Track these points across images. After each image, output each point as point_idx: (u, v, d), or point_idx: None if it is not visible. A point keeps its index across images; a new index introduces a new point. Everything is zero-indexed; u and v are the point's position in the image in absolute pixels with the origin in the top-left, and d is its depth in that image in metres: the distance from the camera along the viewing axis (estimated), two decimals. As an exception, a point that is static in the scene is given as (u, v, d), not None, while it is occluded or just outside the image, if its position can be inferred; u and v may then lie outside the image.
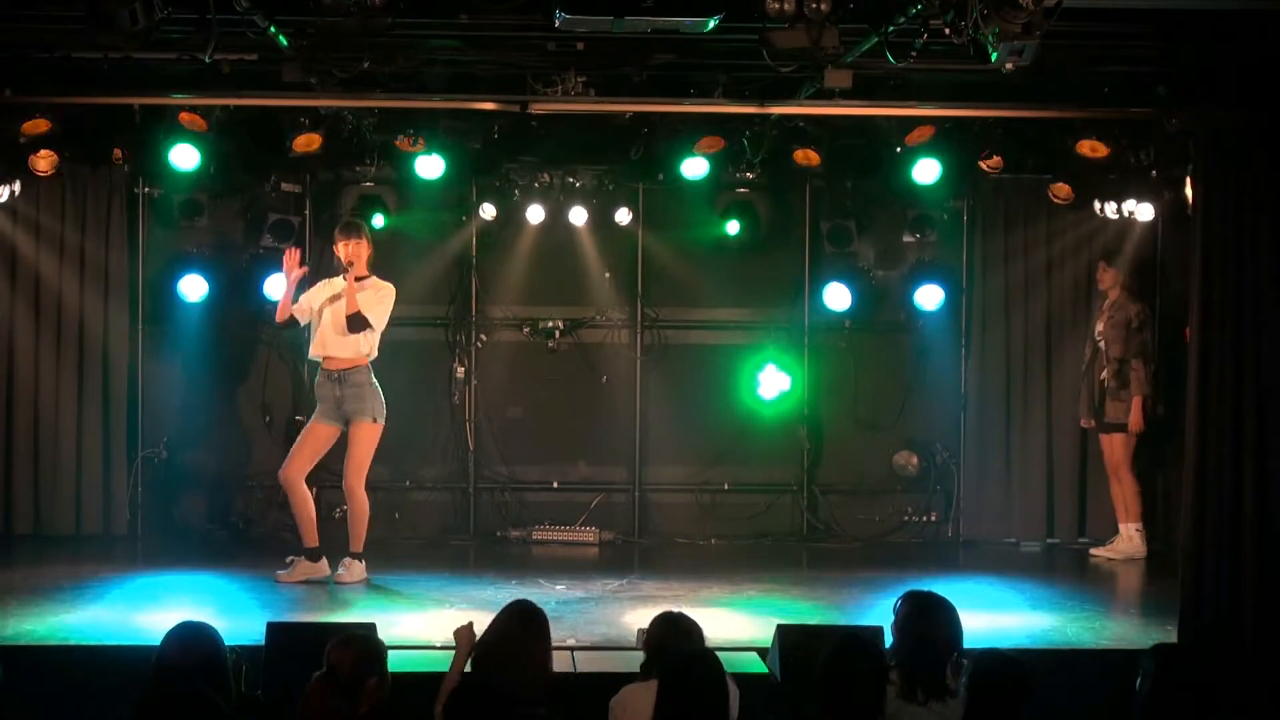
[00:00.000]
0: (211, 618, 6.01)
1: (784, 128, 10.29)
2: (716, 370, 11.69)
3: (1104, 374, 10.90)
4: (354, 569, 9.61)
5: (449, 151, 10.59)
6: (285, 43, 7.44)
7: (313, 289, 9.78)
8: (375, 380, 9.58)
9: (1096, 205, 11.18)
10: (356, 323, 9.49)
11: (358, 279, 9.54)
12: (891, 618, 6.08)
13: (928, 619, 5.91)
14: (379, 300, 9.58)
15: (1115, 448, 10.90)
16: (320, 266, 11.50)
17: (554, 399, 11.78)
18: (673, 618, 6.10)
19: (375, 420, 9.56)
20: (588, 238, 11.57)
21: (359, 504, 9.63)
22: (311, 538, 9.63)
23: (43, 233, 11.11)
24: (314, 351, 9.66)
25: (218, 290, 11.25)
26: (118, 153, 10.45)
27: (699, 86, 8.91)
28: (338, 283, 9.67)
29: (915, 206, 11.40)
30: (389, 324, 9.77)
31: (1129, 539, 10.84)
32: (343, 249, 9.59)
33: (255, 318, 11.36)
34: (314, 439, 9.64)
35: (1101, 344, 10.94)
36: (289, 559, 9.66)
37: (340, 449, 9.72)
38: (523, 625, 6.01)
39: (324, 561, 9.63)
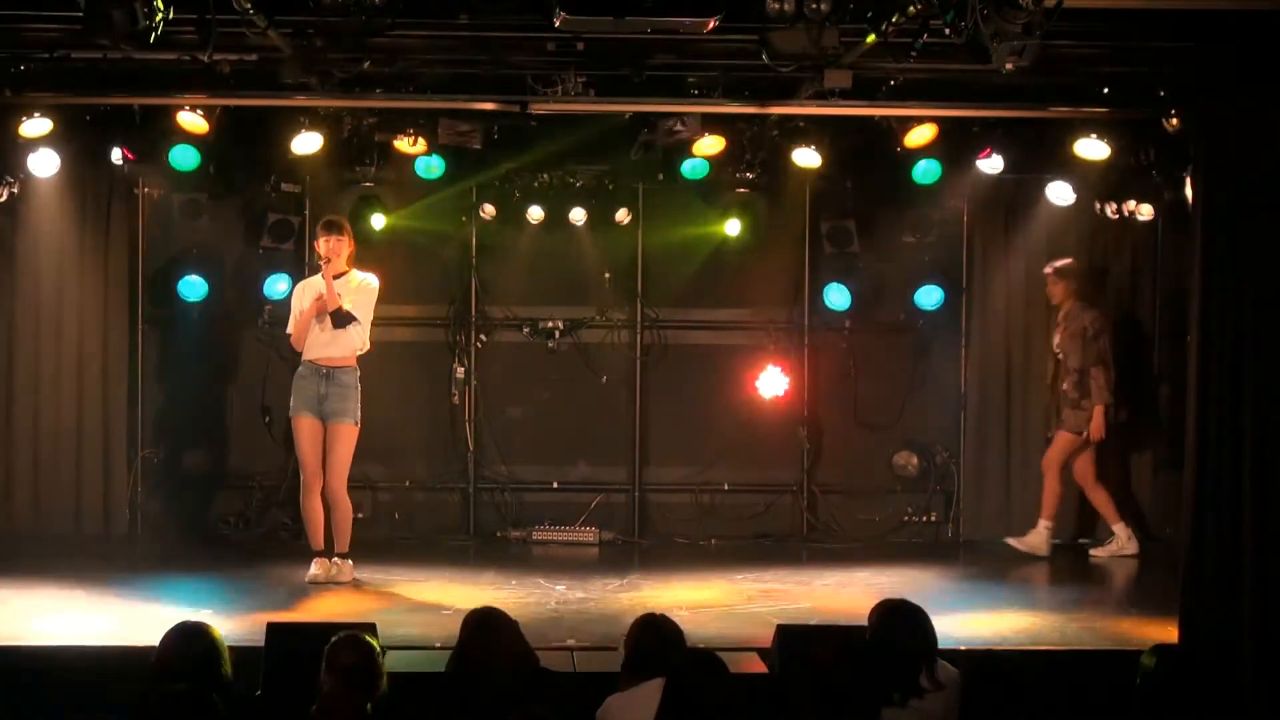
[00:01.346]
0: (211, 618, 6.00)
1: (784, 128, 10.30)
2: (716, 370, 11.69)
3: (1065, 385, 10.82)
4: (346, 569, 9.62)
5: (449, 151, 10.59)
6: (284, 43, 7.43)
7: (296, 293, 9.74)
8: (359, 383, 9.59)
9: (1096, 205, 11.18)
10: (341, 318, 9.49)
11: (338, 275, 9.51)
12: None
13: (898, 627, 5.97)
14: (362, 293, 9.57)
15: (1057, 445, 10.85)
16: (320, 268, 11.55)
17: (554, 399, 11.78)
18: (654, 621, 6.08)
19: (355, 423, 9.55)
20: (588, 238, 11.57)
21: (345, 508, 9.61)
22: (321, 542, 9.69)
23: (43, 233, 11.11)
24: (306, 354, 9.63)
25: (218, 290, 11.26)
26: (118, 153, 10.44)
27: (699, 86, 8.91)
28: (317, 281, 9.64)
29: (915, 206, 11.40)
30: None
31: (1039, 533, 10.86)
32: (323, 245, 9.56)
33: (255, 318, 11.37)
34: (316, 438, 9.60)
35: (1060, 355, 10.88)
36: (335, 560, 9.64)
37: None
38: (480, 635, 5.97)
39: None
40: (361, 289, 9.59)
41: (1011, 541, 10.92)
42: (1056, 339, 10.91)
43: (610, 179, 11.35)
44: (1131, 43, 7.90)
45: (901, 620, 6.02)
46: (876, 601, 6.25)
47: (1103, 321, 10.87)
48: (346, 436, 9.55)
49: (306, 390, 9.57)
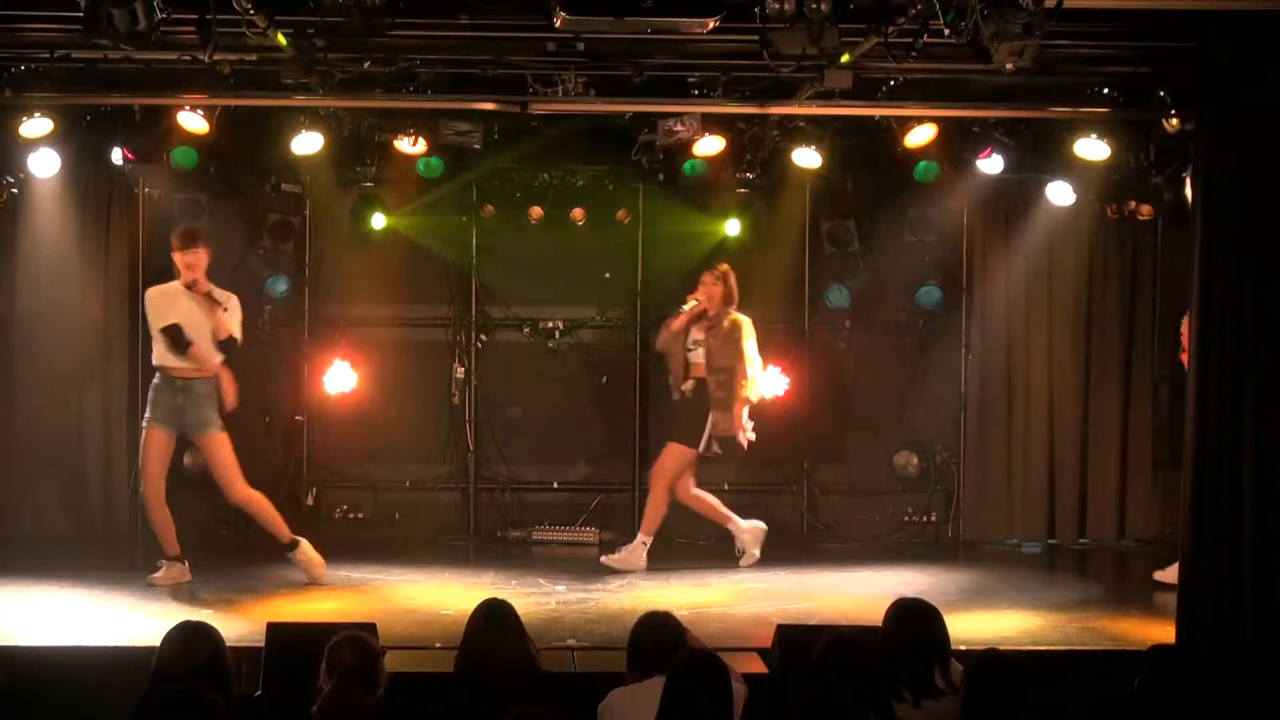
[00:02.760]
0: (211, 618, 6.01)
1: (784, 128, 10.30)
2: (716, 370, 11.67)
3: (710, 385, 10.30)
4: (308, 551, 9.56)
5: (449, 151, 10.59)
6: (285, 43, 7.44)
7: (159, 301, 9.48)
8: (215, 390, 9.44)
9: (1096, 205, 11.18)
10: (230, 346, 9.42)
11: (193, 284, 9.39)
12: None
13: (913, 625, 5.96)
14: (238, 313, 9.49)
15: (676, 458, 10.35)
16: (321, 267, 11.55)
17: (554, 399, 11.78)
18: (655, 618, 6.10)
19: (222, 429, 9.44)
20: (588, 238, 11.57)
21: (260, 503, 9.53)
22: (173, 545, 9.53)
23: (43, 233, 11.10)
24: (159, 361, 9.43)
25: (218, 290, 11.25)
26: (118, 153, 10.44)
27: (699, 86, 8.91)
28: (176, 290, 9.45)
29: (915, 206, 11.40)
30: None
31: (634, 551, 10.37)
32: (180, 259, 9.41)
33: (255, 318, 11.35)
34: (164, 452, 9.42)
35: (700, 354, 10.35)
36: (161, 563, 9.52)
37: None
38: (483, 623, 6.04)
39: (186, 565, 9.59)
40: (236, 309, 9.47)
41: (605, 560, 10.38)
42: (699, 335, 10.36)
43: (610, 179, 11.36)
44: (1131, 43, 7.91)
45: (917, 619, 5.99)
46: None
47: (748, 326, 10.36)
48: (221, 444, 9.41)
49: (164, 401, 9.39)
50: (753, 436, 10.37)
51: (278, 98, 8.89)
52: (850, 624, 8.04)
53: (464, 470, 11.70)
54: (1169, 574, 9.78)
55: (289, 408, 11.53)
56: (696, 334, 10.41)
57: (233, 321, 9.45)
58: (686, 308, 10.44)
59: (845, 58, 7.49)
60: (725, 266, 10.56)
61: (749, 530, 10.57)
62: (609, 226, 11.50)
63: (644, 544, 10.37)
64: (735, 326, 10.33)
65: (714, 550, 11.29)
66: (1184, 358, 9.82)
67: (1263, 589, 7.35)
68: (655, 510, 10.43)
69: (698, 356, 10.37)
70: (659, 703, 5.32)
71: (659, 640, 5.93)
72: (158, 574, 9.47)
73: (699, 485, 10.59)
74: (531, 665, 6.04)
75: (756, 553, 10.50)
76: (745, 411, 10.30)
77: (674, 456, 10.38)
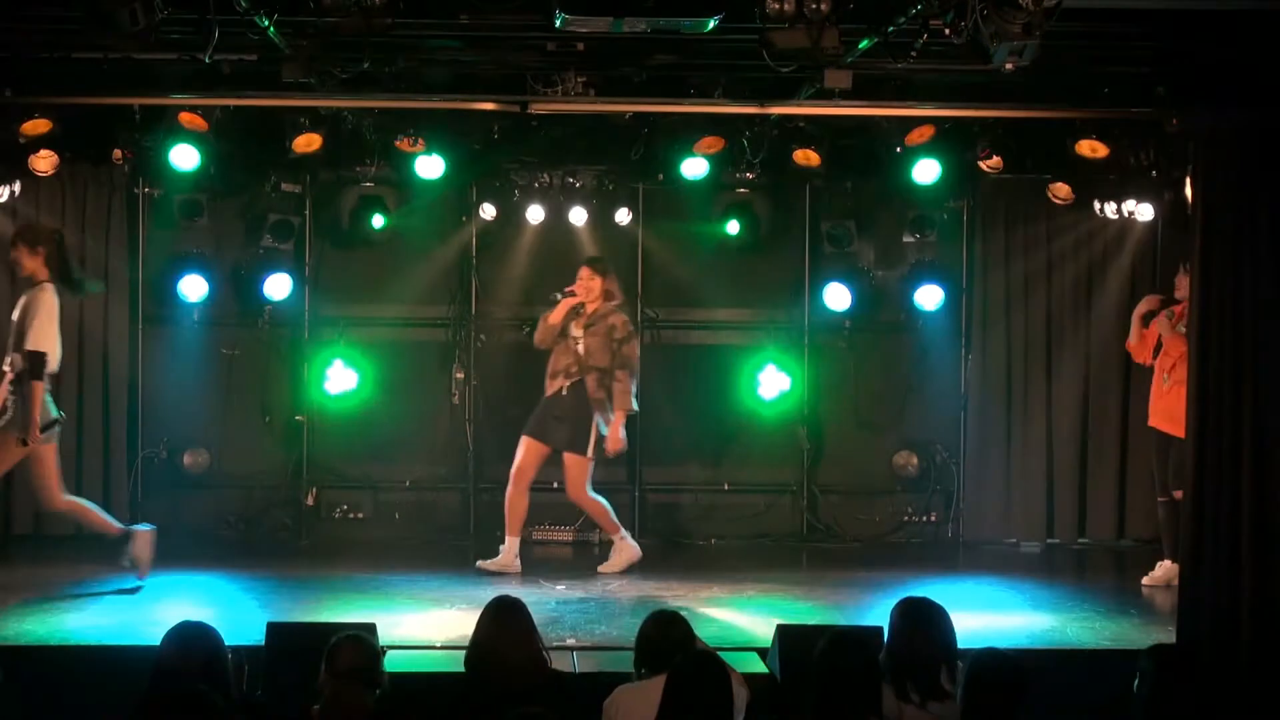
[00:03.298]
0: (211, 618, 6.01)
1: (784, 128, 10.30)
2: (716, 370, 11.69)
3: (590, 384, 10.02)
4: None
5: (449, 151, 10.60)
6: (284, 43, 7.43)
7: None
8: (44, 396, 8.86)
9: (1096, 205, 11.19)
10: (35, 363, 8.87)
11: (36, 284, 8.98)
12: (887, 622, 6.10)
13: (920, 624, 5.92)
14: (40, 316, 8.85)
15: (580, 468, 10.06)
16: (321, 266, 11.56)
17: (554, 399, 11.76)
18: (662, 617, 6.11)
19: (9, 432, 8.86)
20: (588, 238, 11.57)
21: None
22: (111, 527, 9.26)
23: (42, 233, 11.10)
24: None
25: (218, 290, 11.26)
26: (118, 153, 10.44)
27: (699, 86, 8.91)
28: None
29: (915, 206, 11.40)
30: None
31: (620, 550, 10.25)
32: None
33: (255, 318, 11.37)
34: None
35: (581, 351, 10.10)
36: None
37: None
38: (492, 621, 6.05)
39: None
40: (38, 309, 8.90)
41: (481, 564, 10.11)
42: (577, 332, 10.12)
43: (610, 179, 11.36)
44: (1131, 43, 7.91)
45: (926, 619, 5.94)
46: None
47: (632, 328, 10.26)
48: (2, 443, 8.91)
49: None
50: (622, 445, 10.09)
51: (278, 97, 8.88)
52: (850, 624, 8.08)
53: (464, 470, 11.70)
54: (1157, 577, 9.84)
55: (289, 408, 11.53)
56: (575, 330, 10.17)
57: (35, 325, 8.83)
58: (559, 296, 10.26)
59: (845, 58, 7.48)
60: (598, 260, 10.42)
61: (511, 556, 10.11)
62: (609, 226, 11.49)
63: (623, 537, 10.27)
64: (615, 328, 10.12)
65: (714, 550, 11.31)
66: (1161, 359, 9.88)
67: (1262, 589, 7.35)
68: (600, 515, 10.27)
69: (583, 355, 10.11)
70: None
71: (669, 637, 5.95)
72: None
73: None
74: (541, 664, 6.04)
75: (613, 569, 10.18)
76: (621, 420, 10.02)
77: (577, 467, 10.09)
